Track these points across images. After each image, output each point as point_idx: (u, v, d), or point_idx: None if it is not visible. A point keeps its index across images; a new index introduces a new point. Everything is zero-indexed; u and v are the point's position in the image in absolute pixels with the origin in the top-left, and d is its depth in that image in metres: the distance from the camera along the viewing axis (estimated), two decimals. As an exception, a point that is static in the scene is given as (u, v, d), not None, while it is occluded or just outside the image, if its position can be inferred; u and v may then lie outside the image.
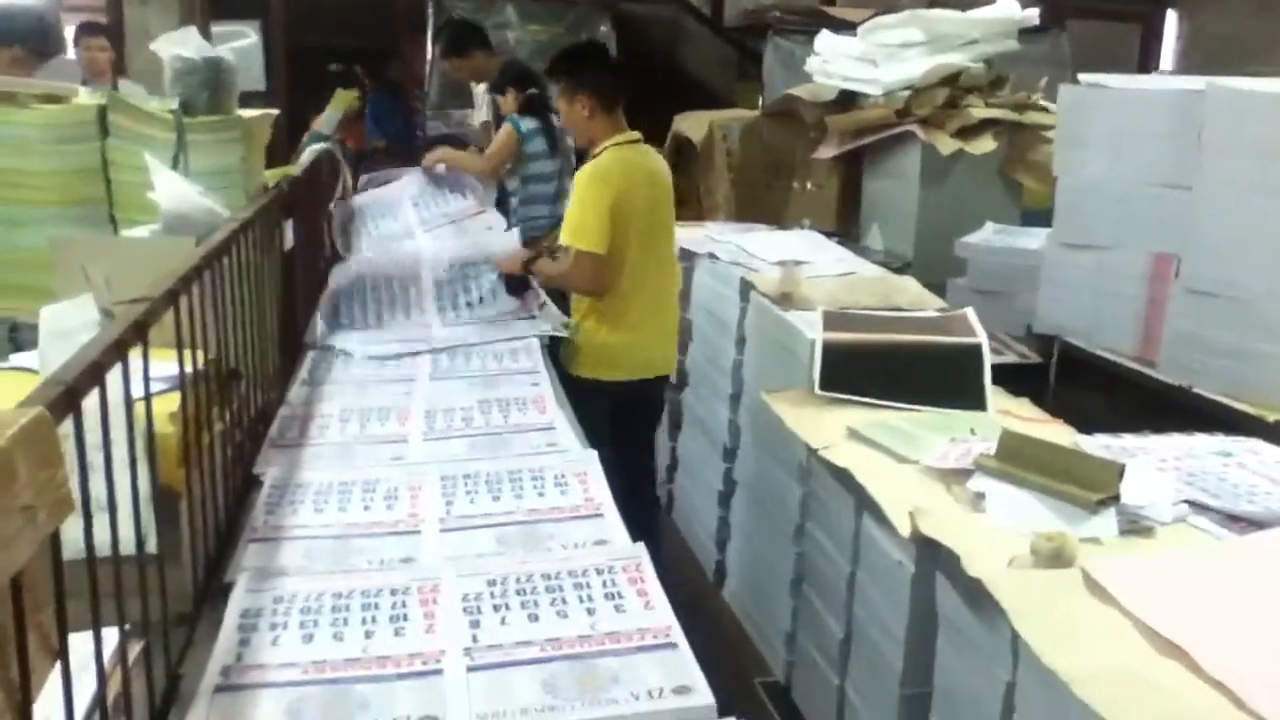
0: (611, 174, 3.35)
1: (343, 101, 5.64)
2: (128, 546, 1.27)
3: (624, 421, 3.47)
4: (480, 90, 5.62)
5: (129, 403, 1.30)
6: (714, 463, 3.75)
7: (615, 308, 3.42)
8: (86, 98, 2.98)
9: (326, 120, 5.65)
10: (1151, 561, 1.77)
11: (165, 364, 1.56)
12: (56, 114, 2.83)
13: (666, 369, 3.67)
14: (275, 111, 3.40)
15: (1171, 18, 9.50)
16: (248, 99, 3.33)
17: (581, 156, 3.79)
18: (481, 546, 1.77)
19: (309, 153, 4.27)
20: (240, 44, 4.13)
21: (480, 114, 5.61)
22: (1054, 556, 1.77)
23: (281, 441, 2.28)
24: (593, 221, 3.29)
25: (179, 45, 2.94)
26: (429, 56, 7.83)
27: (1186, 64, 9.13)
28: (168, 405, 1.58)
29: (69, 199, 2.79)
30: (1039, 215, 4.57)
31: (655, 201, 3.47)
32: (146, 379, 1.38)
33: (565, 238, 3.37)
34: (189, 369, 1.61)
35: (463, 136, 6.20)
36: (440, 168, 4.43)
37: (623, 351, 3.46)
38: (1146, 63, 9.42)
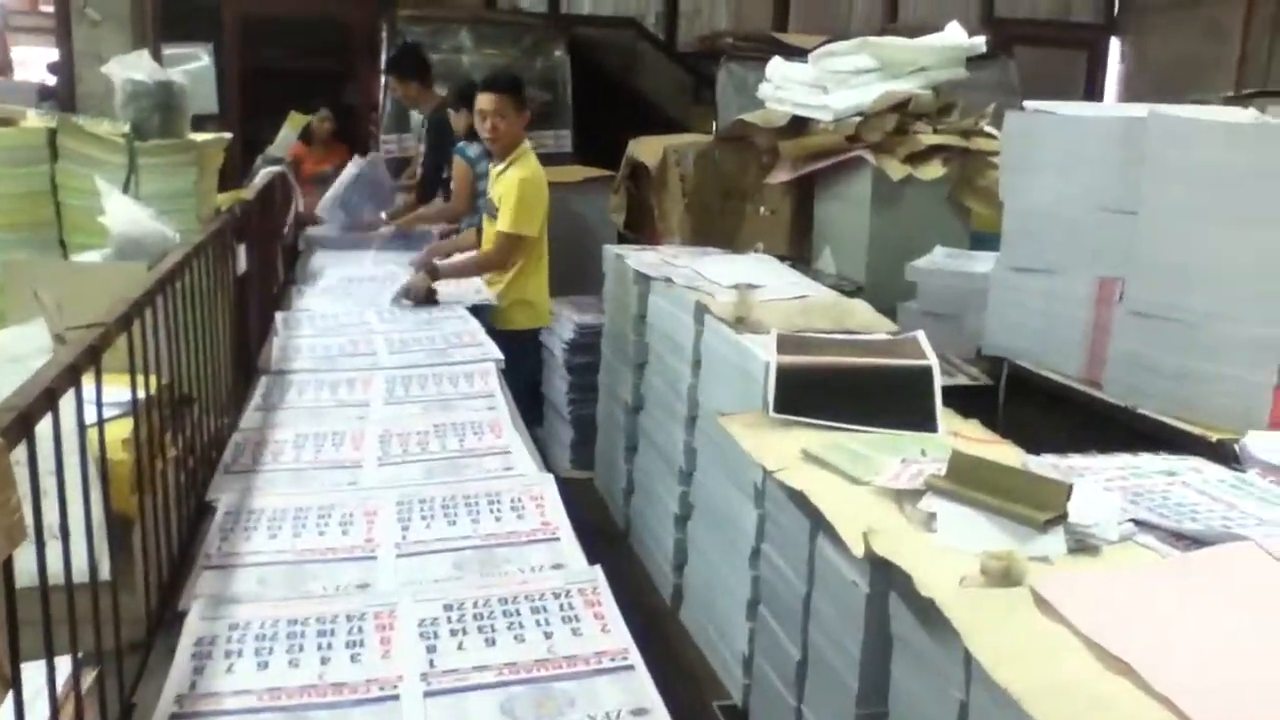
0: (541, 176, 4.37)
1: (296, 123, 5.64)
2: (81, 574, 1.26)
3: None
4: (418, 122, 6.11)
5: (82, 429, 1.29)
6: (670, 486, 3.76)
7: (537, 269, 4.48)
8: (36, 120, 2.96)
9: (278, 143, 5.64)
10: (1098, 579, 1.80)
11: (118, 389, 1.55)
12: (5, 136, 2.80)
13: None
14: (228, 135, 3.39)
15: (1116, 44, 9.71)
16: (200, 121, 3.33)
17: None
18: (438, 571, 1.77)
19: (262, 175, 4.26)
20: (193, 66, 4.11)
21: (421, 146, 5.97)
22: (1003, 575, 1.79)
23: (235, 467, 2.27)
24: (537, 212, 4.31)
25: (131, 68, 2.93)
26: (383, 81, 7.82)
27: (1132, 89, 9.33)
28: (120, 431, 1.57)
29: (17, 222, 2.76)
30: (988, 239, 4.65)
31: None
32: (100, 404, 1.37)
33: (506, 226, 4.25)
34: (142, 394, 1.60)
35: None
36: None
37: (541, 303, 4.57)
38: (1093, 88, 9.61)
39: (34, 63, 9.81)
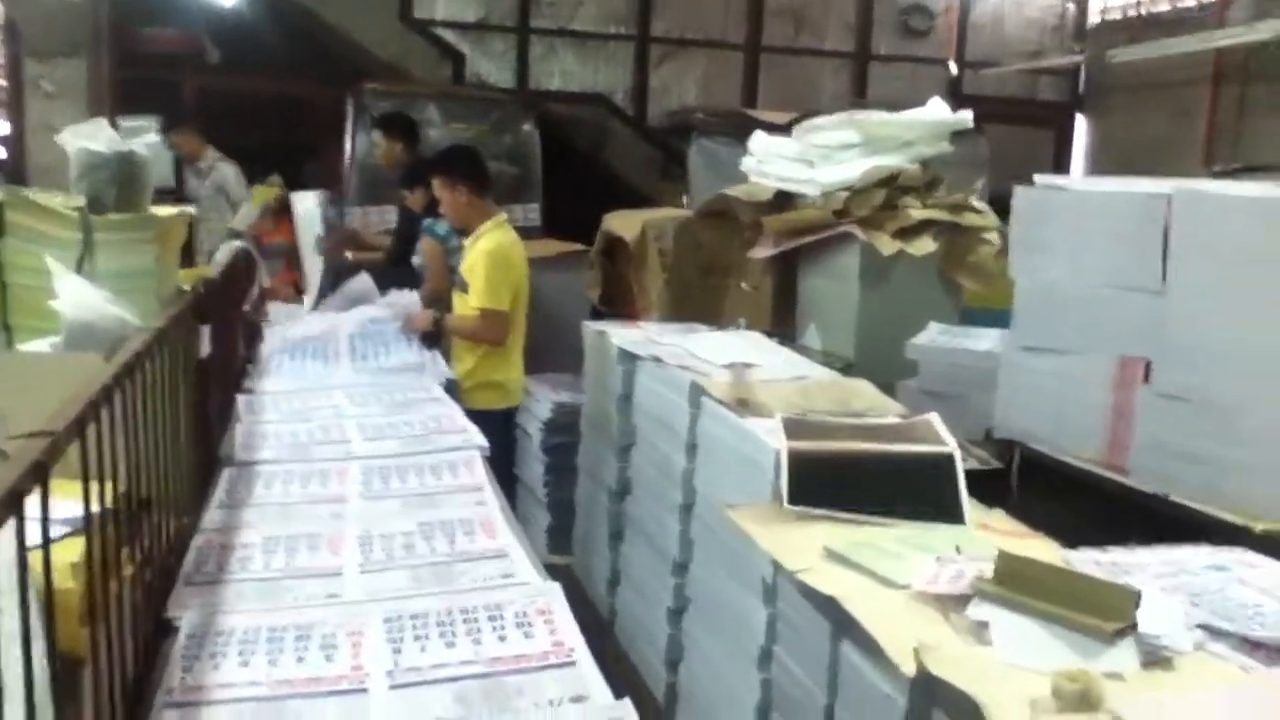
0: (506, 250, 4.35)
1: (261, 197, 5.44)
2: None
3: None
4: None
5: (23, 561, 1.05)
6: (662, 577, 3.52)
7: (506, 349, 4.43)
8: (-20, 194, 2.73)
9: (241, 217, 5.43)
10: (1189, 702, 1.60)
11: (67, 502, 1.31)
12: (-54, 212, 2.57)
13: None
14: (191, 209, 3.18)
15: (1082, 121, 9.81)
16: (158, 196, 3.11)
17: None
18: (439, 707, 1.53)
19: (224, 250, 4.04)
20: (150, 138, 3.91)
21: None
22: (1080, 699, 1.59)
23: (197, 577, 2.01)
24: (500, 287, 4.28)
25: (87, 138, 2.72)
26: (347, 155, 7.67)
27: (1098, 166, 9.40)
28: (69, 553, 1.34)
29: (-44, 305, 2.52)
30: (978, 315, 4.53)
31: (524, 266, 4.48)
32: (45, 528, 1.14)
33: (478, 301, 4.27)
34: (96, 507, 1.36)
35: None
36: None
37: (511, 383, 4.53)
38: (1060, 165, 9.67)
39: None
